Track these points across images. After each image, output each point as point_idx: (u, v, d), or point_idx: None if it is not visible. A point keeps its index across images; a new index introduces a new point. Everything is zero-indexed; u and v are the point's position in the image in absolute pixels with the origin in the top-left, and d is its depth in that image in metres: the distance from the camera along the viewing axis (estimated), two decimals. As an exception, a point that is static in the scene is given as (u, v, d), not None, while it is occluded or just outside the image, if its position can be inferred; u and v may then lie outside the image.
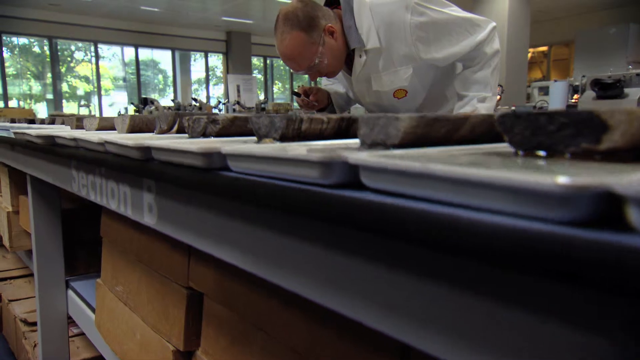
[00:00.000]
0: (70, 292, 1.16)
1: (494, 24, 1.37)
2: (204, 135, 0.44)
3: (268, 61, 14.49)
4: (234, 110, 6.42)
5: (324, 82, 1.72)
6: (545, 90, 9.75)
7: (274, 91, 15.18)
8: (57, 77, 10.69)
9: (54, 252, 1.18)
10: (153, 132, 0.60)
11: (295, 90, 1.55)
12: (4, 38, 10.01)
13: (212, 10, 10.27)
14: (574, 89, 2.94)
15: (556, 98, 2.78)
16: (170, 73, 13.15)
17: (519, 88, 7.23)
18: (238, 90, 13.24)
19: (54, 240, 1.19)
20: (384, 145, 0.28)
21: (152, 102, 8.39)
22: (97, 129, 0.67)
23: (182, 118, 0.50)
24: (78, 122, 0.73)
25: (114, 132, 0.64)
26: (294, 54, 1.30)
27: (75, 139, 0.54)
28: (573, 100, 2.94)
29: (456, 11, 1.35)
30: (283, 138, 0.35)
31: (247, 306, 0.52)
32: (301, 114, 0.34)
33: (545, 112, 0.21)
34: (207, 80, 13.31)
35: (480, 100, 1.34)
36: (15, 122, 1.54)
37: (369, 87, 1.43)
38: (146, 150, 0.38)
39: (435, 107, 1.51)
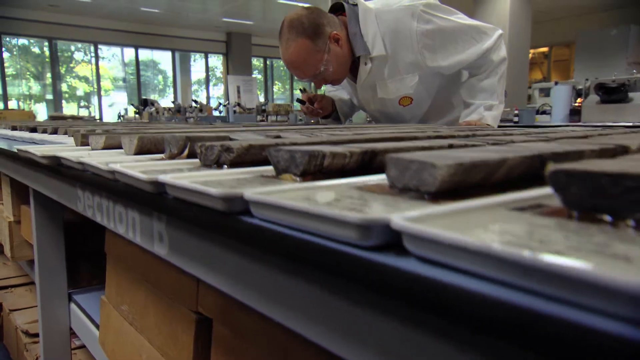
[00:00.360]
0: (72, 305, 1.15)
1: (500, 31, 1.35)
2: (217, 163, 0.43)
3: (268, 62, 14.49)
4: (235, 112, 6.40)
5: (328, 89, 1.71)
6: (546, 92, 9.71)
7: (274, 91, 15.17)
8: (56, 78, 10.67)
9: (57, 265, 1.17)
10: (162, 153, 0.58)
11: (300, 97, 1.54)
12: (3, 39, 10.00)
13: (213, 11, 10.26)
14: (577, 93, 2.92)
15: (559, 102, 2.76)
16: (169, 73, 13.14)
17: (520, 89, 7.21)
18: (238, 91, 13.23)
19: (56, 252, 1.17)
20: (417, 191, 0.26)
21: (152, 103, 8.37)
22: (103, 147, 0.65)
23: (193, 143, 0.49)
24: (83, 138, 0.71)
25: (121, 152, 0.62)
26: (299, 62, 1.29)
27: (82, 163, 0.53)
28: (576, 104, 2.92)
29: (463, 18, 1.34)
30: (304, 174, 0.33)
31: (257, 333, 0.50)
32: (322, 150, 0.33)
33: (607, 173, 0.19)
34: (207, 80, 13.30)
35: (486, 108, 1.33)
36: (16, 129, 1.52)
37: (374, 95, 1.42)
38: (159, 185, 0.36)
39: (441, 115, 1.50)
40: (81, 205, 0.67)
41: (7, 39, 10.23)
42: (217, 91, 14.15)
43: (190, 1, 9.19)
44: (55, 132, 1.19)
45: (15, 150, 0.80)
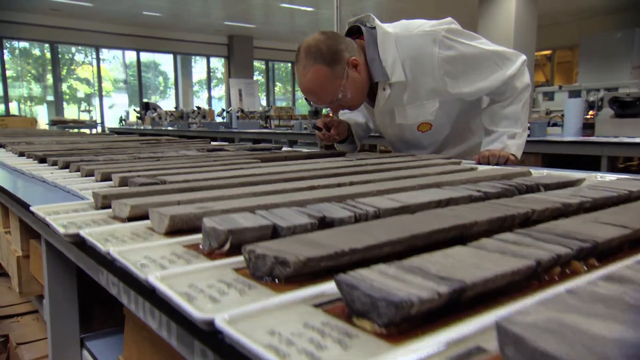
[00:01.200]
0: (85, 352, 1.10)
1: (524, 57, 1.31)
2: (271, 275, 0.38)
3: (269, 64, 14.44)
4: (237, 117, 6.35)
5: (342, 111, 1.66)
6: (550, 96, 9.68)
7: (275, 92, 15.13)
8: (58, 80, 10.63)
9: (69, 308, 1.12)
10: (194, 232, 0.53)
11: (316, 124, 1.49)
12: (5, 42, 9.95)
13: (215, 15, 10.21)
14: (590, 105, 2.88)
15: (571, 115, 2.71)
16: (170, 74, 13.12)
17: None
18: (240, 95, 13.19)
19: (68, 294, 1.12)
20: None
21: (155, 109, 8.32)
22: (128, 217, 0.60)
23: (233, 234, 0.44)
24: (104, 200, 0.67)
25: (149, 227, 0.57)
26: (316, 89, 1.24)
27: (112, 256, 0.48)
28: (588, 116, 2.88)
29: (485, 44, 1.29)
30: (389, 325, 0.28)
31: None
32: (411, 297, 0.28)
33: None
34: (208, 85, 13.25)
35: (510, 137, 1.28)
36: (24, 155, 1.46)
37: (392, 120, 1.37)
38: (214, 326, 0.31)
39: (460, 141, 1.45)
40: (104, 279, 0.63)
41: (9, 43, 10.19)
42: (217, 92, 14.11)
43: (192, 5, 9.14)
44: (66, 166, 1.15)
45: (30, 207, 0.76)
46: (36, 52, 10.94)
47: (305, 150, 1.37)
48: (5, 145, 1.76)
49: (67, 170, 1.02)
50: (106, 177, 0.83)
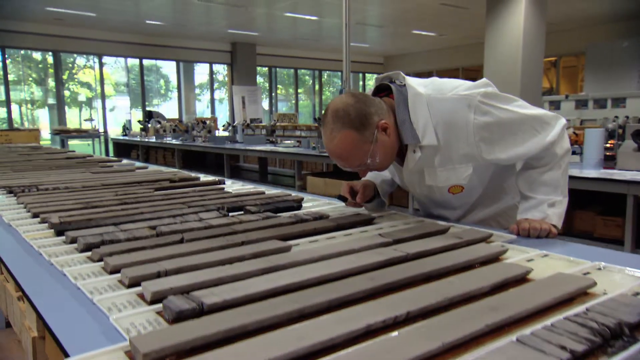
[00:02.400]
0: None
1: (564, 121, 1.23)
2: None
3: (272, 71, 14.40)
4: (243, 131, 6.29)
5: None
6: (556, 105, 9.61)
7: (277, 93, 15.10)
8: (59, 83, 10.59)
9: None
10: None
11: (341, 195, 1.40)
12: (7, 51, 9.92)
13: (218, 23, 10.17)
14: (610, 134, 2.80)
15: (591, 145, 2.64)
16: (171, 77, 13.12)
17: (535, 102, 7.08)
18: (243, 102, 13.15)
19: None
20: None
21: (159, 121, 8.27)
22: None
23: None
24: (131, 281, 0.59)
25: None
26: (344, 154, 1.17)
27: None
28: (608, 145, 2.80)
29: (523, 107, 1.21)
30: None
31: None
32: None
33: None
34: (211, 92, 13.20)
35: (550, 205, 1.21)
36: (38, 216, 1.39)
37: (421, 180, 1.30)
38: None
39: (492, 202, 1.38)
40: None
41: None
42: (218, 93, 14.11)
43: (195, 14, 9.10)
44: (88, 249, 1.07)
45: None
46: (37, 56, 10.93)
47: (332, 216, 1.30)
48: (16, 194, 1.70)
49: (89, 253, 0.96)
50: (134, 282, 0.77)
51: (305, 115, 16.60)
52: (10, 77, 10.23)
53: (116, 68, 12.27)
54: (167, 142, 6.73)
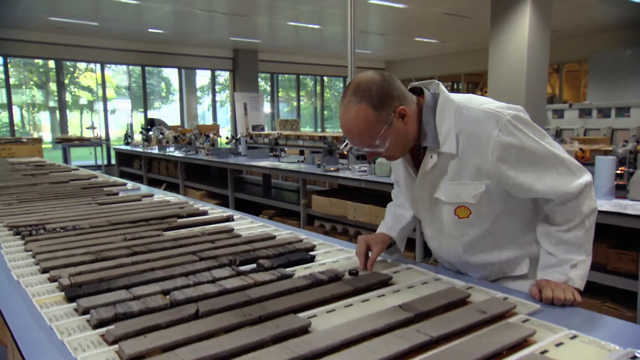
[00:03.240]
0: None
1: (589, 177, 1.18)
2: None
3: (274, 77, 14.39)
4: (246, 142, 6.27)
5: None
6: (560, 114, 9.58)
7: (278, 96, 15.09)
8: (61, 86, 10.58)
9: None
10: None
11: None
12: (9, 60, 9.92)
13: (220, 32, 10.16)
14: (621, 161, 2.77)
15: (603, 174, 2.60)
16: (172, 80, 13.13)
17: (539, 110, 7.04)
18: (245, 108, 13.13)
19: None
20: None
21: (162, 132, 8.25)
22: None
23: None
24: None
25: None
26: (354, 129, 1.14)
27: None
28: (619, 171, 2.77)
29: (551, 144, 1.17)
30: None
31: None
32: None
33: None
34: (213, 99, 13.19)
35: (572, 267, 1.17)
36: (47, 272, 1.36)
37: (430, 193, 1.25)
38: None
39: (493, 247, 1.27)
40: None
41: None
42: (220, 96, 14.12)
43: (197, 23, 9.08)
44: (101, 324, 1.05)
45: None
46: (39, 60, 10.94)
47: (347, 271, 1.27)
48: (24, 237, 1.67)
49: (103, 330, 0.93)
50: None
51: (306, 117, 16.62)
52: (12, 80, 10.24)
53: (117, 71, 12.28)
54: (170, 153, 6.71)
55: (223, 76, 13.73)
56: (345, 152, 4.23)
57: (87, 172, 3.90)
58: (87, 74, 12.79)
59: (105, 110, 11.08)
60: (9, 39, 9.40)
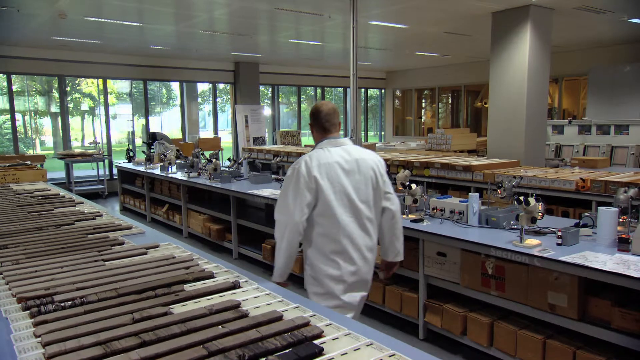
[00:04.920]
0: None
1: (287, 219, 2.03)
2: None
3: (275, 89, 14.43)
4: (248, 164, 6.30)
5: None
6: (559, 129, 9.59)
7: (279, 104, 15.13)
8: (63, 93, 10.60)
9: None
10: None
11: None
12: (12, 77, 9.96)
13: (221, 48, 10.20)
14: (622, 211, 2.79)
15: (605, 225, 2.62)
16: (173, 85, 13.19)
17: (540, 128, 7.07)
18: (246, 121, 13.17)
19: None
20: None
21: (164, 154, 8.27)
22: None
23: None
24: None
25: None
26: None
27: None
28: (620, 220, 2.79)
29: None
30: None
31: None
32: None
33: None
34: (214, 113, 13.22)
35: None
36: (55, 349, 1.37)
37: None
38: None
39: None
40: None
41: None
42: (220, 99, 14.18)
43: (199, 40, 9.12)
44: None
45: None
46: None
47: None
48: (33, 315, 1.69)
49: None
50: None
51: (306, 118, 16.64)
52: (15, 86, 10.29)
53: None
54: (172, 175, 6.73)
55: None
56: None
57: (92, 206, 3.92)
58: (88, 81, 12.86)
59: (108, 122, 11.10)
60: (12, 57, 9.44)
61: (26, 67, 9.86)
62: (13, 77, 10.04)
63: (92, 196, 10.30)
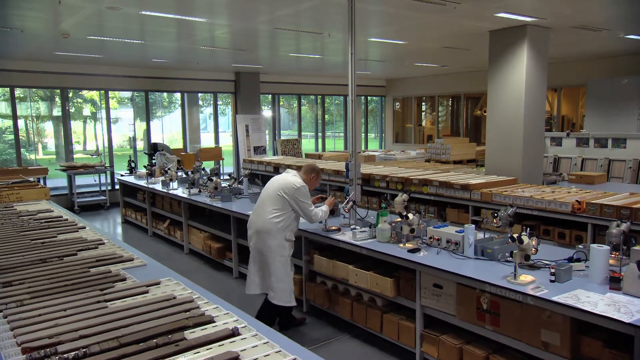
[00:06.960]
0: None
1: None
2: None
3: (276, 98, 14.49)
4: (248, 181, 6.35)
5: None
6: (557, 141, 9.63)
7: (279, 112, 15.18)
8: (65, 99, 10.65)
9: None
10: None
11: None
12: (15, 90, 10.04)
13: (222, 61, 10.27)
14: (614, 247, 2.84)
15: (597, 263, 2.67)
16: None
17: (537, 141, 7.11)
18: (247, 131, 13.23)
19: None
20: None
21: (167, 160, 8.32)
22: None
23: None
24: None
25: None
26: None
27: None
28: (612, 255, 2.84)
29: None
30: None
31: None
32: None
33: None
34: (215, 123, 13.28)
35: None
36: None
37: None
38: None
39: None
40: None
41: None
42: (221, 102, 14.24)
43: (200, 54, 9.19)
44: None
45: None
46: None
47: None
48: (34, 359, 1.74)
49: None
50: None
51: (307, 121, 16.71)
52: (17, 92, 10.36)
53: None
54: (173, 191, 6.79)
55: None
56: (346, 210, 4.31)
57: (94, 234, 3.96)
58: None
59: (110, 132, 11.15)
60: (14, 70, 9.52)
61: (28, 80, 9.94)
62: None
63: (94, 207, 10.37)
